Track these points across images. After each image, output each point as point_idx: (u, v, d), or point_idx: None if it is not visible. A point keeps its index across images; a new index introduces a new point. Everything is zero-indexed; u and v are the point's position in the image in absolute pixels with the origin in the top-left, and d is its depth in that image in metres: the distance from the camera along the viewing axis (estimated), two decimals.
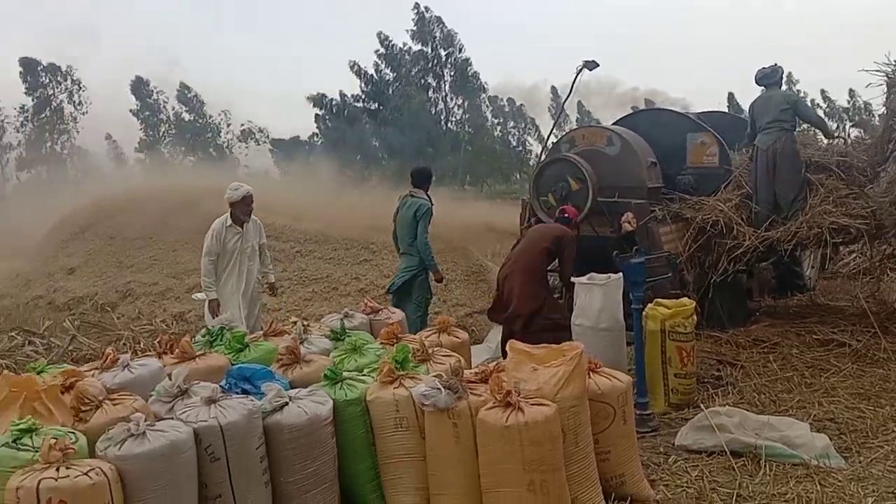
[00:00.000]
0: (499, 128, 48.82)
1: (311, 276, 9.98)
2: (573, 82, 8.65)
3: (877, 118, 8.34)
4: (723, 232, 7.45)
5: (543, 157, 8.76)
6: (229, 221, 6.56)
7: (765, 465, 4.37)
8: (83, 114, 40.25)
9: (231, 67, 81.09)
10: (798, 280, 9.32)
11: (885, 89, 7.08)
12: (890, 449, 4.65)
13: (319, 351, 4.60)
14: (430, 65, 43.60)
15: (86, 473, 2.89)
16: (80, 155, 39.80)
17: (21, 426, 3.09)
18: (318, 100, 42.01)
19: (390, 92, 42.54)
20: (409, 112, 40.31)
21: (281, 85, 79.71)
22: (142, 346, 7.48)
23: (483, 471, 3.61)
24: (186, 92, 42.79)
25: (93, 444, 3.18)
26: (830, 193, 7.37)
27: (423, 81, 43.46)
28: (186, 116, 42.82)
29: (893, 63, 7.04)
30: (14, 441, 3.05)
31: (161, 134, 42.37)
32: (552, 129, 10.92)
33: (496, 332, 6.94)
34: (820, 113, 20.38)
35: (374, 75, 42.94)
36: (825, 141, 8.12)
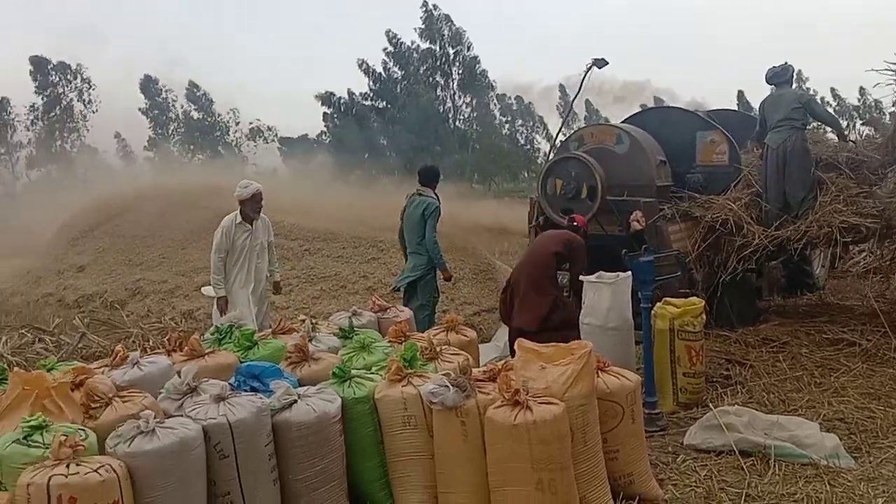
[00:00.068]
0: (507, 126, 48.80)
1: (320, 275, 10.00)
2: (582, 80, 8.64)
3: (887, 116, 8.30)
4: (732, 231, 7.41)
5: (552, 155, 8.75)
6: (239, 219, 6.59)
7: (774, 465, 4.35)
8: (93, 112, 40.51)
9: (240, 66, 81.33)
10: (808, 279, 9.28)
11: (895, 88, 7.04)
12: None
13: (328, 349, 4.60)
14: (438, 63, 43.66)
15: (96, 470, 2.91)
16: (90, 153, 39.99)
17: (32, 423, 3.10)
18: (327, 98, 42.13)
19: (398, 90, 42.60)
20: (418, 110, 40.34)
21: (289, 83, 79.84)
22: (151, 343, 7.55)
23: (491, 469, 3.61)
24: (195, 90, 42.95)
25: (102, 441, 3.19)
26: (841, 192, 7.33)
27: (431, 80, 43.52)
28: (195, 115, 42.97)
29: None
30: (25, 438, 3.07)
31: (170, 132, 42.55)
32: (561, 128, 10.92)
33: (504, 331, 6.93)
34: (830, 111, 20.21)
35: (383, 73, 43.01)
36: (836, 140, 8.08)
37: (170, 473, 3.12)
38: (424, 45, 43.42)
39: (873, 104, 44.03)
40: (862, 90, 51.59)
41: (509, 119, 49.38)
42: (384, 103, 42.93)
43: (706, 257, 7.58)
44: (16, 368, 3.81)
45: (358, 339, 4.64)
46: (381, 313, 5.58)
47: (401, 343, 4.55)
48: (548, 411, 3.50)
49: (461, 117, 45.24)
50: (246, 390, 3.68)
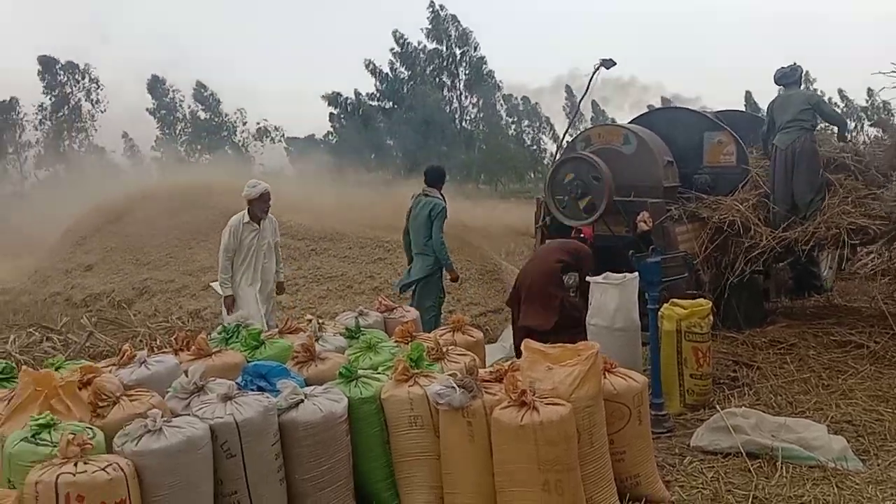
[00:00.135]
0: (513, 126, 48.78)
1: (326, 274, 10.01)
2: (590, 81, 8.63)
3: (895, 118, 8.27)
4: (740, 232, 7.39)
5: (559, 155, 8.74)
6: (247, 218, 6.61)
7: (781, 468, 4.34)
8: (102, 112, 40.66)
9: (246, 66, 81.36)
10: (815, 281, 9.25)
11: None
12: None
13: (334, 349, 4.60)
14: (444, 63, 43.64)
15: (103, 469, 2.92)
16: (98, 153, 40.14)
17: (40, 421, 3.12)
18: (333, 98, 42.18)
19: (405, 91, 42.61)
20: (424, 111, 40.35)
21: (296, 83, 79.97)
22: (158, 342, 7.57)
23: (497, 470, 3.60)
24: (202, 90, 43.05)
25: (110, 440, 3.20)
26: (849, 194, 7.32)
27: (437, 80, 43.52)
28: (202, 115, 43.08)
29: None
30: (33, 436, 3.08)
31: (177, 132, 42.66)
32: (568, 128, 10.92)
33: (510, 332, 6.93)
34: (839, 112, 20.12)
35: (389, 74, 43.04)
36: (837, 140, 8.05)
37: (177, 472, 3.13)
38: (431, 46, 43.43)
39: (881, 105, 43.82)
40: (870, 91, 51.39)
41: (516, 120, 49.35)
42: (391, 104, 42.94)
43: (713, 258, 7.56)
44: (24, 367, 3.81)
45: (364, 339, 4.65)
46: (388, 313, 5.58)
47: (407, 343, 4.54)
48: (554, 412, 3.50)
49: (468, 118, 45.23)
50: (253, 390, 3.69)
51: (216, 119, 42.94)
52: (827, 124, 8.46)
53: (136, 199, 13.93)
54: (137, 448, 3.10)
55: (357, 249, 10.51)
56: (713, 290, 7.34)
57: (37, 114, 39.64)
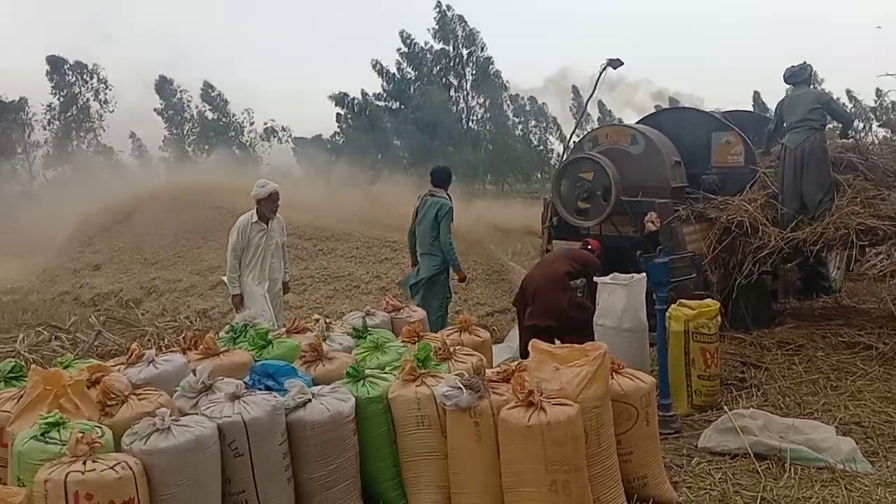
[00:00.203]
0: (520, 127, 48.76)
1: (333, 274, 10.01)
2: (597, 81, 8.61)
3: None
4: (748, 232, 7.37)
5: (566, 155, 8.73)
6: (255, 218, 6.63)
7: (789, 469, 4.33)
8: (110, 112, 40.82)
9: (254, 67, 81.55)
10: (823, 282, 9.21)
11: None
12: None
13: (342, 348, 4.61)
14: (451, 63, 43.67)
15: (112, 467, 2.93)
16: (106, 153, 40.31)
17: (49, 420, 3.13)
18: (340, 98, 42.24)
19: (412, 91, 42.65)
20: (431, 111, 40.37)
21: (303, 84, 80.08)
22: (166, 342, 7.59)
23: (504, 470, 3.60)
24: (210, 91, 43.18)
25: (118, 439, 3.22)
26: (858, 194, 7.28)
27: (444, 80, 43.54)
28: (210, 115, 43.21)
29: None
30: (42, 434, 3.10)
31: (185, 132, 42.80)
32: (575, 128, 10.91)
33: (517, 332, 6.92)
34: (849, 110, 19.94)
35: (396, 74, 43.09)
36: (842, 138, 8.02)
37: (185, 471, 3.14)
38: (438, 46, 43.47)
39: (890, 106, 43.59)
40: (879, 92, 51.15)
41: (522, 120, 49.33)
42: (397, 104, 43.01)
43: (721, 259, 7.54)
44: (33, 366, 3.83)
45: (371, 339, 4.65)
46: (395, 313, 5.59)
47: (414, 343, 4.55)
48: (562, 412, 3.49)
49: (474, 118, 45.25)
50: (260, 389, 3.70)
51: (224, 119, 43.08)
52: (835, 124, 8.43)
53: (144, 199, 13.96)
54: (146, 447, 3.12)
55: (364, 249, 10.51)
56: (721, 290, 7.32)
57: (45, 114, 39.87)
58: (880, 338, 6.96)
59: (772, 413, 5.04)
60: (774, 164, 7.76)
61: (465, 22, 43.46)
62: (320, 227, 11.07)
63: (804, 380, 6.08)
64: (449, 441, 3.75)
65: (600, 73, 8.50)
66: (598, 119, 45.15)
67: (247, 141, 42.88)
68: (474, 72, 43.93)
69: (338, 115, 42.66)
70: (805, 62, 7.70)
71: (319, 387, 3.82)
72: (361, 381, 3.92)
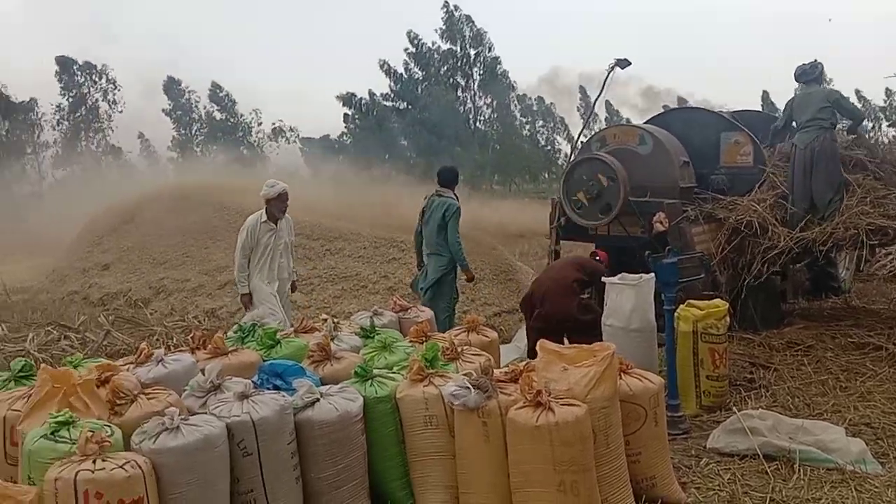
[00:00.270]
0: (527, 127, 48.73)
1: (341, 274, 10.03)
2: (605, 81, 8.59)
3: None
4: (757, 233, 7.34)
5: (574, 156, 8.72)
6: (264, 217, 6.65)
7: (799, 470, 4.30)
8: (119, 112, 40.99)
9: (261, 67, 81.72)
10: (833, 282, 9.18)
11: None
12: None
13: (349, 348, 4.61)
14: (459, 64, 43.68)
15: (121, 466, 2.94)
16: (115, 153, 40.49)
17: (59, 419, 3.15)
18: (348, 99, 42.30)
19: (419, 91, 42.68)
20: (438, 111, 40.39)
21: (311, 84, 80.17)
22: (175, 341, 7.61)
23: (513, 470, 3.59)
24: (218, 91, 43.32)
25: (128, 438, 3.23)
26: (868, 194, 7.25)
27: (451, 80, 43.55)
28: (218, 115, 43.35)
29: None
30: (52, 433, 3.11)
31: (193, 133, 42.96)
32: (583, 129, 10.90)
33: (524, 332, 6.92)
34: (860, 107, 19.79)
35: (404, 74, 43.12)
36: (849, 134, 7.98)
37: (194, 470, 3.15)
38: (445, 46, 43.48)
39: None
40: (888, 91, 50.94)
41: (530, 120, 49.30)
42: (405, 104, 43.03)
43: (730, 259, 7.51)
44: (43, 365, 3.85)
45: (379, 339, 4.65)
46: (402, 313, 5.58)
47: (422, 343, 4.55)
48: (570, 413, 3.49)
49: (482, 118, 45.25)
50: (269, 388, 3.71)
51: (232, 119, 43.22)
52: (845, 122, 8.39)
53: (152, 199, 14.04)
54: (155, 446, 3.12)
55: (372, 249, 10.53)
56: (730, 291, 7.29)
57: (54, 114, 40.07)
58: (890, 338, 6.92)
59: (781, 414, 5.01)
60: (782, 162, 7.73)
61: (473, 22, 43.51)
62: (328, 227, 11.10)
63: (813, 380, 6.05)
64: (457, 441, 3.74)
65: (608, 73, 8.49)
66: (606, 119, 45.11)
67: (255, 141, 43.01)
68: (482, 72, 43.93)
69: (345, 115, 42.76)
70: (816, 60, 7.66)
71: (327, 386, 3.82)
72: (369, 381, 3.92)
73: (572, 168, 7.98)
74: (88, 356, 5.67)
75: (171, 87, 42.62)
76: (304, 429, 3.57)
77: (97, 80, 40.81)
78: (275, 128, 42.88)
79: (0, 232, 19.04)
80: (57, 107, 39.97)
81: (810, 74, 7.63)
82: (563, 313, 5.89)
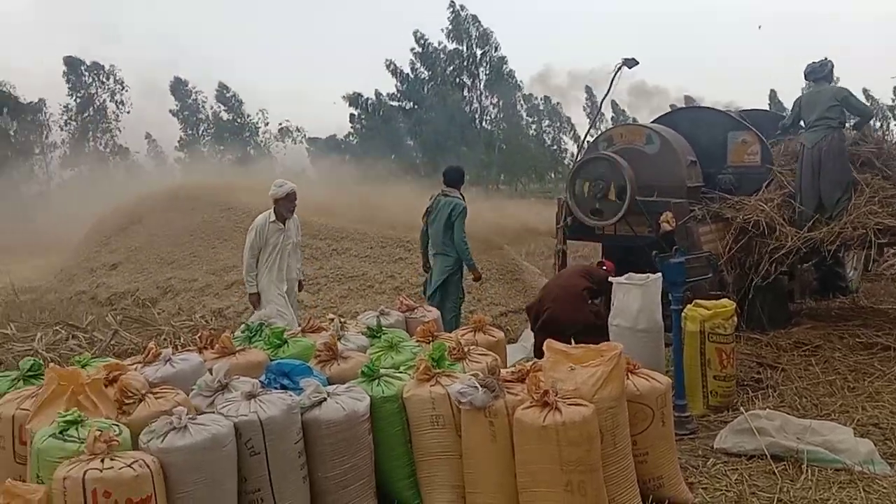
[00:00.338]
0: (533, 126, 48.70)
1: (348, 274, 10.04)
2: (612, 80, 8.57)
3: None
4: (764, 232, 7.31)
5: (580, 155, 8.71)
6: (272, 217, 6.67)
7: (806, 470, 4.29)
8: (127, 112, 41.14)
9: (268, 67, 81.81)
10: (840, 282, 9.14)
11: None
12: None
13: (356, 348, 4.62)
14: (465, 63, 43.69)
15: (129, 465, 2.95)
16: (122, 154, 40.64)
17: (67, 418, 3.16)
18: (354, 99, 42.40)
19: (425, 91, 42.72)
20: (444, 111, 40.42)
21: (317, 84, 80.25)
22: (182, 341, 7.63)
23: (519, 470, 3.59)
24: (225, 91, 43.44)
25: (136, 437, 3.24)
26: (876, 193, 7.21)
27: (458, 80, 43.57)
28: (224, 116, 43.47)
29: None
30: (61, 432, 3.13)
31: (200, 133, 43.09)
32: (590, 128, 10.87)
33: (531, 332, 6.91)
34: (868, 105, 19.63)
35: (410, 74, 43.17)
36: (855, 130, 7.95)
37: (202, 469, 3.16)
38: (452, 46, 43.51)
39: None
40: None
41: (536, 119, 49.26)
42: (411, 104, 43.09)
43: (737, 259, 7.48)
44: (51, 364, 3.87)
45: (386, 339, 4.67)
46: (409, 313, 5.60)
47: (428, 343, 4.56)
48: (577, 413, 3.48)
49: (488, 118, 45.26)
50: (276, 388, 3.72)
51: (238, 120, 43.34)
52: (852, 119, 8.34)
53: (160, 199, 14.06)
54: (163, 445, 3.14)
55: (378, 249, 10.53)
56: (737, 290, 7.26)
57: (62, 114, 40.24)
58: None
59: (788, 414, 5.00)
60: (790, 162, 7.70)
61: (479, 22, 43.52)
62: (335, 227, 11.10)
63: (821, 381, 6.03)
64: (464, 441, 3.75)
65: (615, 73, 8.46)
66: (612, 119, 45.02)
67: (261, 141, 43.12)
68: (488, 72, 43.93)
69: (351, 115, 42.83)
70: (826, 58, 7.61)
71: (334, 386, 3.83)
72: (376, 381, 3.93)
73: (579, 167, 7.97)
74: (96, 356, 5.69)
75: (178, 87, 42.76)
76: (312, 428, 3.58)
77: (105, 80, 41.02)
78: (281, 128, 43.05)
79: (9, 232, 19.14)
80: (65, 107, 40.22)
81: (820, 72, 7.59)
82: (573, 321, 5.88)
